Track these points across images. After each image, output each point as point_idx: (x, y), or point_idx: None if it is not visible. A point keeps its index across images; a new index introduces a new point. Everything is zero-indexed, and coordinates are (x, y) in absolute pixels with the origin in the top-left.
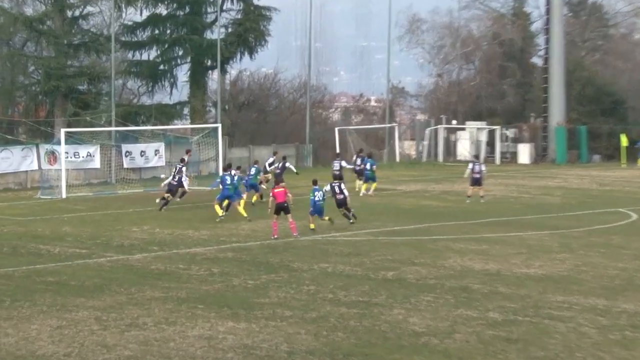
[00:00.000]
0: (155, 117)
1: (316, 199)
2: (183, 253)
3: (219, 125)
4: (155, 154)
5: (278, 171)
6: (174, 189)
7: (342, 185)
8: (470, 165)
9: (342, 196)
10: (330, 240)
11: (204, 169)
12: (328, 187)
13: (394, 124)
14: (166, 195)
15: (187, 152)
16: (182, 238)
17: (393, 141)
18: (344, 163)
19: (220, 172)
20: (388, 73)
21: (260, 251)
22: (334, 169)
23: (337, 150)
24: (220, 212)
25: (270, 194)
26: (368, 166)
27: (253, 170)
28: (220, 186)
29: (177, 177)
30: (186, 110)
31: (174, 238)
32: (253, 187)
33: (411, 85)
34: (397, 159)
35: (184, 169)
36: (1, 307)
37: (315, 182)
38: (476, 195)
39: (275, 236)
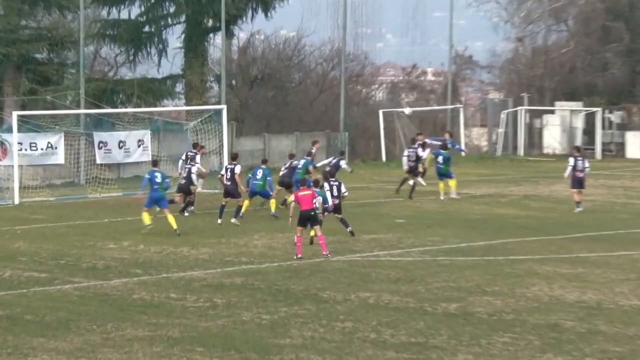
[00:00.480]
0: (139, 96)
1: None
2: (176, 278)
3: (224, 107)
4: (139, 146)
5: (328, 169)
6: (185, 188)
7: (342, 187)
8: (572, 161)
9: (337, 201)
10: (372, 262)
11: (203, 165)
12: (327, 186)
13: (459, 106)
14: (176, 197)
15: (196, 147)
16: (174, 258)
17: (457, 128)
18: (420, 151)
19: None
20: (451, 37)
21: (278, 275)
22: (410, 159)
23: (405, 137)
24: (147, 220)
25: (292, 199)
26: (440, 159)
27: (301, 163)
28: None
29: (186, 172)
30: (180, 87)
31: (164, 258)
32: (299, 182)
33: (481, 53)
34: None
35: (197, 157)
36: None
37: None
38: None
39: (299, 255)
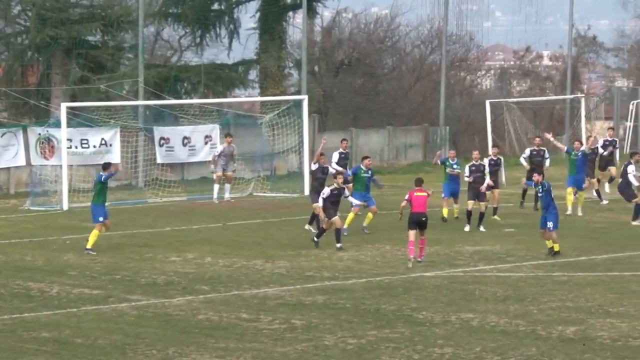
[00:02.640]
0: (206, 84)
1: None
2: (248, 296)
3: (305, 98)
4: (206, 142)
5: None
6: None
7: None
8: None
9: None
10: (476, 278)
11: (280, 166)
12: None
13: (580, 95)
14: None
15: (227, 136)
16: (246, 272)
17: (577, 122)
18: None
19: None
20: (571, 14)
21: (367, 293)
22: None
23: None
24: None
25: (406, 198)
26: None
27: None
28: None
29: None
30: (253, 74)
31: (234, 272)
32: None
33: (607, 34)
34: (585, 149)
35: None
36: None
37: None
38: None
39: (411, 257)
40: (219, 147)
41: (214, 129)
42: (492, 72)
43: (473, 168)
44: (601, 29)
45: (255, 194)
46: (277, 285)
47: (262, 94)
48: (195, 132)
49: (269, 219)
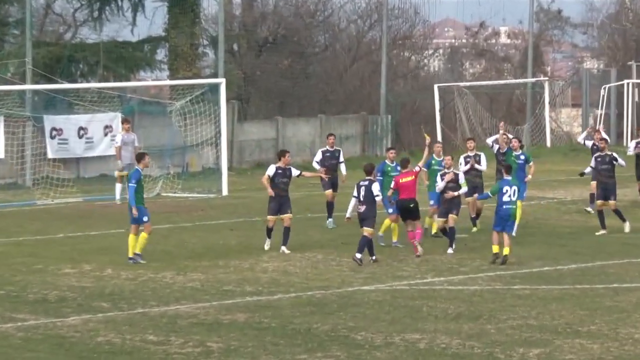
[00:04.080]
0: (106, 66)
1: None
2: (156, 314)
3: (222, 82)
4: (106, 134)
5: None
6: None
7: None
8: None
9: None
10: (423, 292)
11: (193, 161)
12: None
13: (543, 78)
14: None
15: (124, 122)
16: (153, 287)
17: (540, 109)
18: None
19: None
20: None
21: (296, 310)
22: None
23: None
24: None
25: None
26: None
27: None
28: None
29: None
30: (162, 54)
31: (140, 287)
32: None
33: (574, 7)
34: (548, 141)
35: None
36: None
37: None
38: None
39: (418, 254)
40: (117, 137)
41: (115, 118)
42: (441, 51)
43: (468, 160)
44: (567, 2)
45: (163, 194)
46: (190, 301)
47: (172, 76)
48: (93, 122)
49: (180, 223)
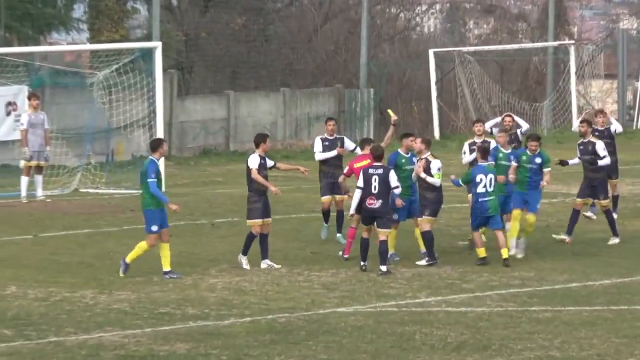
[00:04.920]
0: (8, 25)
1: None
2: (73, 344)
3: (158, 46)
4: (9, 113)
5: None
6: None
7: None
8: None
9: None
10: (416, 315)
11: (120, 148)
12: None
13: (568, 42)
14: None
15: (31, 98)
16: (70, 309)
17: (565, 82)
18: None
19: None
20: None
21: (252, 339)
22: None
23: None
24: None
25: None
26: None
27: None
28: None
29: None
30: (80, 11)
31: (53, 309)
32: None
33: None
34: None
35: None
36: None
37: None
38: None
39: (346, 256)
40: (23, 117)
41: (21, 93)
42: (438, 7)
43: (473, 148)
44: None
45: (82, 190)
46: (116, 327)
47: (93, 39)
48: None
49: (103, 227)
